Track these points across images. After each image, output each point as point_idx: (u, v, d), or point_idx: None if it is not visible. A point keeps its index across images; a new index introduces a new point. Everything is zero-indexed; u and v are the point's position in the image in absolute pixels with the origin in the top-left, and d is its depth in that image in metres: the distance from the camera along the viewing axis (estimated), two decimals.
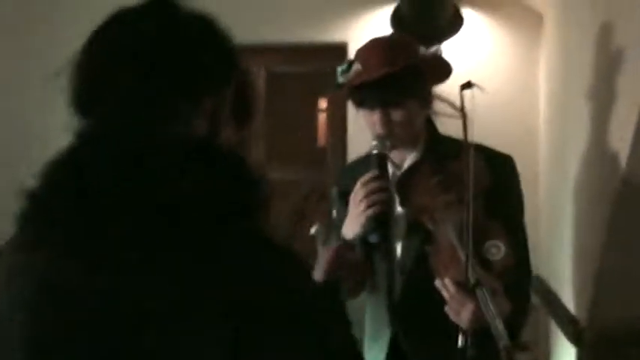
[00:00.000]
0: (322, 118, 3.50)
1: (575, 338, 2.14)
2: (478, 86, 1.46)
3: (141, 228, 0.78)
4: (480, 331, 1.46)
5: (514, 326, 1.51)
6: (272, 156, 3.46)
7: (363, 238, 1.58)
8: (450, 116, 1.59)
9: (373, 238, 1.56)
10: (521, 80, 3.23)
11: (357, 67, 1.64)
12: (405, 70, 1.59)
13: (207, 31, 0.91)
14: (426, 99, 1.69)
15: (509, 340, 1.40)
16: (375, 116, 1.62)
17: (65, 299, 0.81)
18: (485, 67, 3.16)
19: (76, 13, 3.14)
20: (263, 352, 0.79)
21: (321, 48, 3.35)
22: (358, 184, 1.59)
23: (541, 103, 3.21)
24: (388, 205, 1.58)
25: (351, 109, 3.18)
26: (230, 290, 0.79)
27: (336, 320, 0.93)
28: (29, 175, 0.84)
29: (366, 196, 1.56)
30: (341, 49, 3.24)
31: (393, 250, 1.68)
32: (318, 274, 1.54)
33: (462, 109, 1.47)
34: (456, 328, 1.50)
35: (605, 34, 2.05)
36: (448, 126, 1.67)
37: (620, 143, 1.90)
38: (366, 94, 1.63)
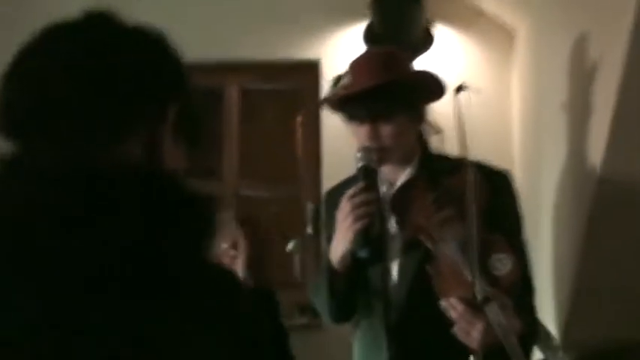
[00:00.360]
0: (298, 135, 3.48)
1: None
2: (472, 89, 1.45)
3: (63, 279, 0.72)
4: (492, 351, 1.40)
5: (526, 344, 1.46)
6: (246, 173, 3.43)
7: (353, 255, 1.53)
8: (437, 132, 1.59)
9: (363, 253, 1.51)
10: (493, 97, 3.24)
11: (347, 79, 1.62)
12: (396, 83, 1.57)
13: (148, 48, 0.85)
14: (418, 115, 1.66)
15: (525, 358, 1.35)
16: (364, 130, 1.58)
17: None
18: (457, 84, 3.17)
19: None
20: None
21: (294, 65, 3.34)
22: (344, 199, 1.54)
23: (514, 120, 3.23)
24: (377, 218, 1.53)
25: (325, 124, 3.22)
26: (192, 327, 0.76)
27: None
28: None
29: (353, 209, 1.51)
30: (314, 66, 3.24)
31: (388, 269, 1.62)
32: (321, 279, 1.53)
33: (457, 114, 1.45)
34: (463, 349, 1.44)
35: (578, 47, 2.07)
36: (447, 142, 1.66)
37: (594, 155, 1.90)
38: (355, 106, 1.59)
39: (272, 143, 3.48)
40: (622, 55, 1.68)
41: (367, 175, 1.56)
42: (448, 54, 3.23)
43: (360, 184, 1.54)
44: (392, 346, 1.60)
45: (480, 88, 3.09)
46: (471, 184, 1.43)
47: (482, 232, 1.45)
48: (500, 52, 3.25)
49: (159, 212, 0.77)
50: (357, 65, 1.63)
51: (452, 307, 1.44)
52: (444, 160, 1.66)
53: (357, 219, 1.50)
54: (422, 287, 1.52)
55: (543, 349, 2.12)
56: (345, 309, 1.67)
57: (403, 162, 1.64)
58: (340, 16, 3.24)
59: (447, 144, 1.63)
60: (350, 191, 1.54)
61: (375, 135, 1.57)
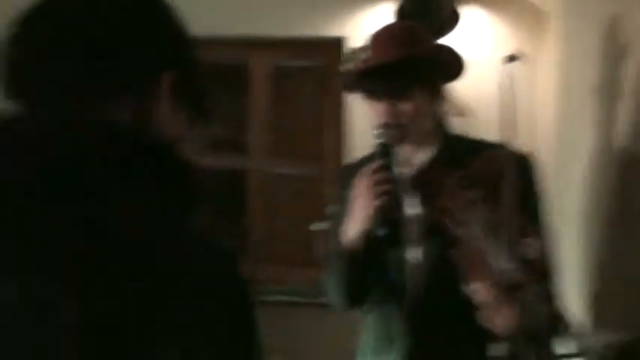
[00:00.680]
0: (326, 111, 3.49)
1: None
2: (523, 60, 1.38)
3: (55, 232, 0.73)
4: (518, 338, 1.38)
5: (552, 331, 1.45)
6: (273, 150, 3.45)
7: (368, 235, 1.50)
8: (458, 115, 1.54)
9: (381, 232, 1.48)
10: (522, 79, 3.21)
11: (365, 53, 1.57)
12: (415, 59, 1.52)
13: (144, 15, 0.85)
14: (437, 93, 1.60)
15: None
16: (382, 106, 1.54)
17: None
18: (485, 65, 3.15)
19: None
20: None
21: (321, 42, 3.34)
22: (359, 177, 1.51)
23: (542, 102, 3.20)
24: (394, 196, 1.50)
25: (351, 102, 3.23)
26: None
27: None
28: None
29: (371, 187, 1.48)
30: (340, 43, 3.23)
31: (405, 251, 1.56)
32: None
33: (506, 85, 1.38)
34: (484, 337, 1.40)
35: (609, 30, 2.04)
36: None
37: (624, 138, 1.89)
38: (373, 82, 1.54)
39: (299, 120, 3.49)
40: None
41: (386, 153, 1.52)
42: (479, 35, 3.20)
43: (379, 162, 1.51)
44: (409, 334, 1.55)
45: (534, 58, 3.07)
46: (510, 167, 1.38)
47: (512, 214, 1.40)
48: (531, 34, 3.21)
49: (136, 174, 0.77)
50: (375, 39, 1.58)
51: (477, 292, 1.40)
52: (465, 140, 1.62)
53: (375, 196, 1.47)
54: (444, 272, 1.48)
55: (568, 337, 2.11)
56: (355, 293, 1.61)
57: (422, 142, 1.59)
58: None
59: (472, 126, 1.60)
60: (367, 169, 1.51)
61: (392, 112, 1.53)
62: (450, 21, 3.03)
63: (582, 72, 2.35)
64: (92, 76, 0.80)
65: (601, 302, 2.09)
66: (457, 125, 1.67)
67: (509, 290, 1.35)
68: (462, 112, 3.04)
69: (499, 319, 1.37)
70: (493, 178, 1.42)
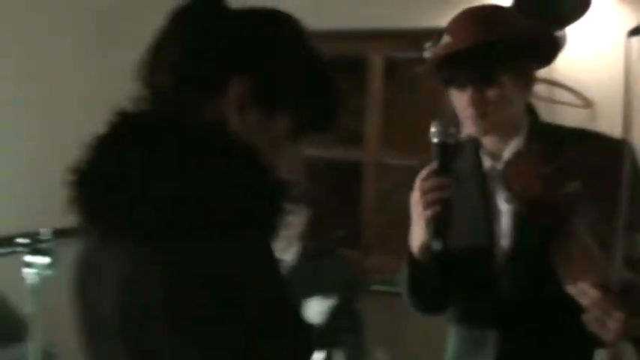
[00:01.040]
0: (444, 102, 3.45)
1: None
2: None
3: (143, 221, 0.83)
4: (629, 343, 1.27)
5: None
6: (388, 142, 3.46)
7: (427, 247, 1.37)
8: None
9: (436, 246, 1.33)
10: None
11: (446, 37, 1.43)
12: (502, 41, 1.38)
13: (231, 27, 0.94)
14: (527, 79, 1.46)
15: None
16: (466, 96, 1.41)
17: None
18: (618, 55, 3.00)
19: None
20: None
21: (438, 33, 3.30)
22: (417, 180, 1.37)
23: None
24: (449, 204, 1.34)
25: None
26: None
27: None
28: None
29: (424, 194, 1.34)
30: None
31: (495, 251, 1.45)
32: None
33: (630, 60, 1.24)
34: (588, 342, 1.31)
35: None
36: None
37: None
38: (456, 69, 1.41)
39: (414, 112, 3.47)
40: None
41: (443, 154, 1.35)
42: (606, 23, 3.05)
43: (434, 165, 1.36)
44: (501, 339, 1.44)
45: None
46: (619, 158, 1.25)
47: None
48: None
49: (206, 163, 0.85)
50: (455, 23, 1.45)
51: (584, 293, 1.27)
52: (557, 129, 1.49)
53: (426, 206, 1.34)
54: (541, 271, 1.36)
55: None
56: (432, 303, 1.52)
57: (509, 132, 1.46)
58: None
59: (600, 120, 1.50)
60: (423, 172, 1.37)
61: (477, 101, 1.40)
62: (580, 7, 2.90)
63: None
64: (182, 82, 0.91)
65: None
66: (584, 120, 1.57)
67: (619, 291, 1.23)
68: (587, 103, 2.92)
69: (609, 323, 1.24)
70: (594, 170, 1.30)
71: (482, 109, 1.41)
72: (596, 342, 1.29)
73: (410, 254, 1.44)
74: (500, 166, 1.47)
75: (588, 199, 1.30)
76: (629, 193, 1.25)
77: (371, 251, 3.40)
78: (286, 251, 2.86)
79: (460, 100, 1.43)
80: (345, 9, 3.34)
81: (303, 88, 0.95)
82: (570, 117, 2.81)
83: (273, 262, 0.87)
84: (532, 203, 1.37)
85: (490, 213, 1.46)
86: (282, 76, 0.94)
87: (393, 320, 3.02)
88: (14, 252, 2.09)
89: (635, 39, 1.25)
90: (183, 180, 0.83)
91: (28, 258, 2.08)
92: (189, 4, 0.94)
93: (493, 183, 1.47)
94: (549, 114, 1.56)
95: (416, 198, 1.37)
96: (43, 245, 2.09)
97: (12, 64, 3.19)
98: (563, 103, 2.95)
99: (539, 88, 1.53)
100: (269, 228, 0.87)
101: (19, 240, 2.09)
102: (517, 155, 1.45)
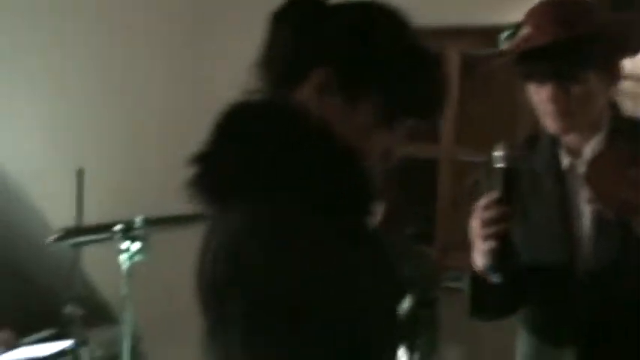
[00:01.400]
0: (520, 99, 3.44)
1: None
2: None
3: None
4: None
5: None
6: (464, 139, 3.47)
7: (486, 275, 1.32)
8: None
9: (495, 279, 1.29)
10: None
11: (525, 30, 1.38)
12: (586, 35, 1.32)
13: (318, 20, 0.99)
14: (612, 74, 1.39)
15: None
16: (546, 91, 1.35)
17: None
18: None
19: None
20: None
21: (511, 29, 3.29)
22: (478, 208, 1.30)
23: None
24: (510, 235, 1.27)
25: None
26: None
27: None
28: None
29: (484, 225, 1.27)
30: None
31: (575, 258, 1.39)
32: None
33: None
34: None
35: None
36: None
37: None
38: (536, 63, 1.35)
39: (490, 109, 3.47)
40: None
41: (507, 181, 1.27)
42: None
43: (495, 194, 1.27)
44: (581, 347, 1.37)
45: None
46: None
47: None
48: None
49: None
50: (534, 15, 1.39)
51: None
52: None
53: (485, 238, 1.27)
54: (626, 277, 1.32)
55: None
56: (496, 316, 1.49)
57: (590, 129, 1.39)
58: None
59: None
60: (483, 200, 1.29)
61: (560, 98, 1.34)
62: None
63: None
64: (270, 70, 0.99)
65: None
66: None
67: None
68: None
69: None
70: None
71: (564, 106, 1.35)
72: None
73: (473, 271, 1.38)
74: (581, 164, 1.40)
75: None
76: None
77: (446, 248, 3.42)
78: None
79: (540, 95, 1.37)
80: (420, 6, 3.36)
81: (395, 75, 0.97)
82: None
83: (369, 249, 0.93)
84: (619, 205, 1.31)
85: (569, 215, 1.40)
86: (365, 64, 0.96)
87: (467, 317, 3.02)
88: (111, 238, 2.24)
89: None
90: (276, 162, 0.90)
91: (123, 244, 2.22)
92: (288, 5, 1.00)
93: (572, 182, 1.41)
94: (634, 111, 1.52)
95: (475, 228, 1.30)
96: (136, 232, 2.22)
97: (106, 56, 3.23)
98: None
99: (624, 84, 1.44)
100: (362, 212, 0.94)
101: (115, 228, 2.23)
102: (601, 154, 1.38)
